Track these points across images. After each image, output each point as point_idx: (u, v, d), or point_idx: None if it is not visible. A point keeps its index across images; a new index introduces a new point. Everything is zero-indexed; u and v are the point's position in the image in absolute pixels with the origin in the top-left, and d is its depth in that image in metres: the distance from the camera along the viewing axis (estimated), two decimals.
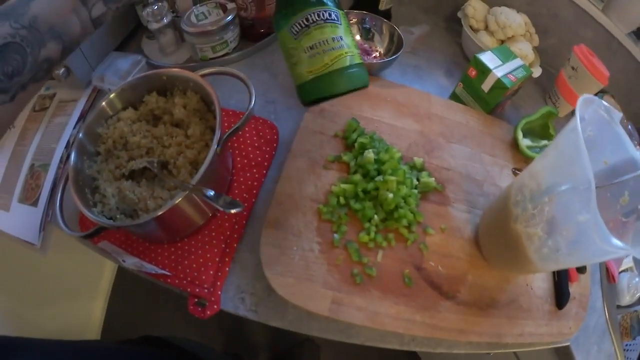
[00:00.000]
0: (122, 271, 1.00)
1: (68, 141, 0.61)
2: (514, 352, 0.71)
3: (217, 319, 1.09)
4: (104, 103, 0.52)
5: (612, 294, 0.64)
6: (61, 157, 0.60)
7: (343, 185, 0.48)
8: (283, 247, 0.46)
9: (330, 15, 0.39)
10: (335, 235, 0.46)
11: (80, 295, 0.93)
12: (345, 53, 0.39)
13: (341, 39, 0.39)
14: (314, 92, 0.41)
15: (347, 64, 0.39)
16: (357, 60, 0.40)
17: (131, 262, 0.50)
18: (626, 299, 0.64)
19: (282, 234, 0.46)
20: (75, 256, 0.86)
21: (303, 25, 0.39)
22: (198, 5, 0.62)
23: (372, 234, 0.47)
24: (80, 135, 0.50)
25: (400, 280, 0.47)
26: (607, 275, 0.65)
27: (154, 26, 0.61)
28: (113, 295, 0.97)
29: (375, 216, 0.47)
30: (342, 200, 0.48)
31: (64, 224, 0.48)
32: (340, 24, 0.40)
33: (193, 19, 0.60)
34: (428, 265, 0.49)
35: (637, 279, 0.65)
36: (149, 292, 0.99)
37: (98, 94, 0.65)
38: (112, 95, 0.52)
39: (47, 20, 0.30)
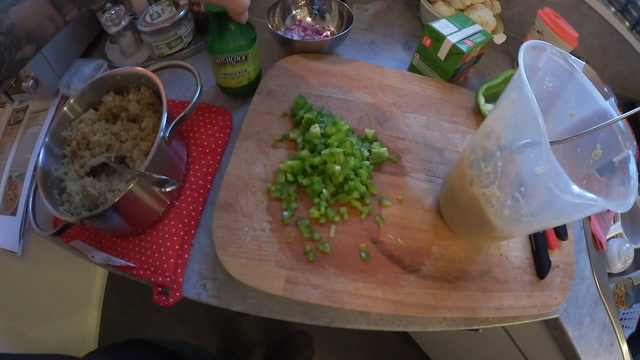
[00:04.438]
0: (113, 279, 1.02)
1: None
2: (504, 328, 0.68)
3: (211, 321, 1.10)
4: (65, 108, 0.54)
5: (601, 262, 0.61)
6: (35, 166, 0.62)
7: (290, 162, 0.47)
8: (234, 228, 0.45)
9: (241, 57, 0.53)
10: (285, 213, 0.46)
11: (74, 307, 0.95)
12: (246, 79, 0.56)
13: (245, 72, 0.55)
14: (222, 89, 0.59)
15: (246, 83, 0.57)
16: (253, 79, 0.58)
17: (99, 257, 0.51)
18: (618, 266, 0.60)
19: (232, 216, 0.46)
20: (65, 269, 0.88)
21: (222, 62, 0.53)
22: (153, 5, 0.63)
23: (323, 209, 0.46)
24: (47, 140, 0.52)
25: (356, 255, 0.46)
26: (595, 243, 0.61)
27: (113, 30, 0.63)
28: (106, 304, 0.99)
29: (325, 190, 0.46)
30: (290, 177, 0.47)
31: (35, 224, 0.50)
32: (247, 60, 0.54)
33: (148, 18, 0.62)
34: (386, 238, 0.47)
35: (627, 245, 0.61)
36: (141, 298, 1.01)
37: (67, 101, 0.67)
38: (72, 100, 0.55)
39: (23, 27, 0.31)
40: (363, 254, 0.46)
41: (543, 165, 0.35)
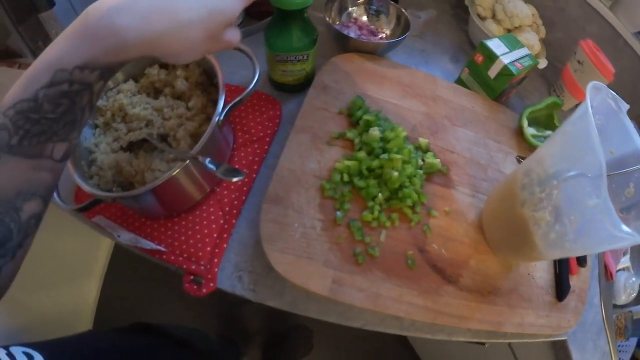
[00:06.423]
0: (118, 255, 0.98)
1: None
2: (509, 345, 0.71)
3: (214, 304, 1.08)
4: None
5: (609, 292, 0.64)
6: None
7: (347, 162, 0.47)
8: (283, 223, 0.44)
9: (303, 57, 0.52)
10: (338, 213, 0.45)
11: (75, 278, 0.91)
12: (304, 77, 0.56)
13: (304, 70, 0.54)
14: (275, 84, 0.58)
15: (303, 80, 0.57)
16: (310, 76, 0.57)
17: (127, 237, 0.49)
18: (622, 299, 0.64)
19: (282, 210, 0.45)
20: (72, 238, 0.84)
21: (283, 59, 0.52)
22: None
23: (376, 213, 0.46)
24: None
25: (403, 261, 0.46)
26: (605, 272, 0.64)
27: None
28: (107, 279, 0.95)
29: (380, 195, 0.46)
30: (345, 177, 0.46)
31: (58, 197, 0.47)
32: (308, 59, 0.53)
33: None
34: (431, 247, 0.48)
35: (633, 279, 0.64)
36: (144, 277, 0.97)
37: None
38: None
39: (8, 191, 0.27)
40: (409, 261, 0.46)
41: (596, 199, 0.37)
